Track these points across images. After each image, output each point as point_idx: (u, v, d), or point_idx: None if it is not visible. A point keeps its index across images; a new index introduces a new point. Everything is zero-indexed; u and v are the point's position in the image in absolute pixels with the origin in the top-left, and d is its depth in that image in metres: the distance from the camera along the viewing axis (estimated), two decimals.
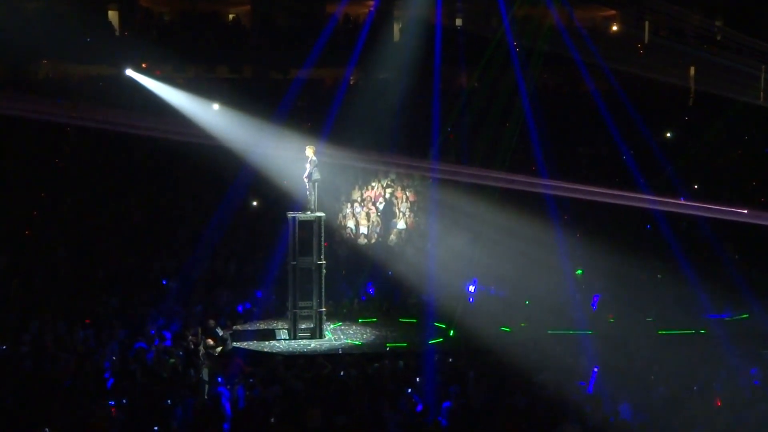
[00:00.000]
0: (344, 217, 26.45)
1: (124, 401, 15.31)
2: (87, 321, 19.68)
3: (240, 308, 21.93)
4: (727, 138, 31.29)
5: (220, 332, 19.87)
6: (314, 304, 20.65)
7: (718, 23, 36.00)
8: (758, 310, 21.64)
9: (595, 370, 19.40)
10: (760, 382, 16.81)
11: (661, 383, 16.80)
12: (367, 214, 26.58)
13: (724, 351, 18.57)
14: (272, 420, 14.86)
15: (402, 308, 22.75)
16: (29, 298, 21.02)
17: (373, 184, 27.75)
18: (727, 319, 21.24)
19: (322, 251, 20.74)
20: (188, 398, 15.18)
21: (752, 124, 31.57)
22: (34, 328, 18.84)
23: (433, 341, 20.12)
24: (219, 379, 16.89)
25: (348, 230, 26.23)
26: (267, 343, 20.26)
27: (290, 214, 20.80)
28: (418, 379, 16.92)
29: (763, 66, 31.43)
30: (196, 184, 28.08)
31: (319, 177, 20.72)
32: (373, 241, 26.18)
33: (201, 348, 18.82)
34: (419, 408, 15.35)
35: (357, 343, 20.43)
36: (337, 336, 20.92)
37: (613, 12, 38.17)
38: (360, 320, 22.16)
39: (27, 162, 27.67)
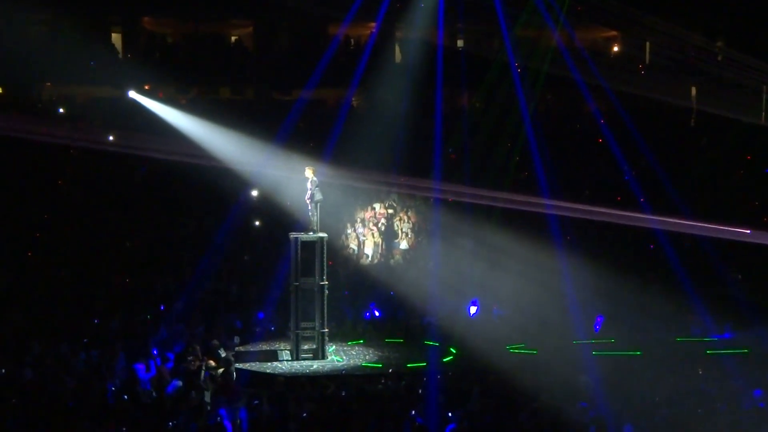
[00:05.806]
0: (346, 237, 26.45)
1: (127, 424, 15.25)
2: (88, 342, 19.64)
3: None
4: (729, 158, 31.29)
5: (223, 353, 19.81)
6: (317, 324, 20.65)
7: (719, 44, 36.09)
8: (761, 332, 21.54)
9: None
10: (766, 405, 16.70)
11: (664, 405, 16.71)
12: (372, 235, 26.58)
13: (727, 372, 18.50)
14: None
15: (403, 329, 22.66)
16: (31, 319, 20.98)
17: (375, 204, 27.76)
18: (725, 350, 20.99)
19: (325, 272, 20.73)
20: (191, 421, 15.12)
21: (754, 144, 31.57)
22: (35, 350, 18.81)
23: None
24: (221, 400, 16.82)
25: (350, 251, 26.20)
26: (269, 364, 20.23)
27: (292, 235, 20.82)
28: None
29: (765, 86, 31.47)
30: (198, 205, 28.10)
31: (321, 198, 20.72)
32: (375, 261, 26.15)
33: (203, 369, 18.76)
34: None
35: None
36: (341, 356, 20.89)
37: (614, 33, 38.26)
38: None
39: (30, 183, 27.71)
